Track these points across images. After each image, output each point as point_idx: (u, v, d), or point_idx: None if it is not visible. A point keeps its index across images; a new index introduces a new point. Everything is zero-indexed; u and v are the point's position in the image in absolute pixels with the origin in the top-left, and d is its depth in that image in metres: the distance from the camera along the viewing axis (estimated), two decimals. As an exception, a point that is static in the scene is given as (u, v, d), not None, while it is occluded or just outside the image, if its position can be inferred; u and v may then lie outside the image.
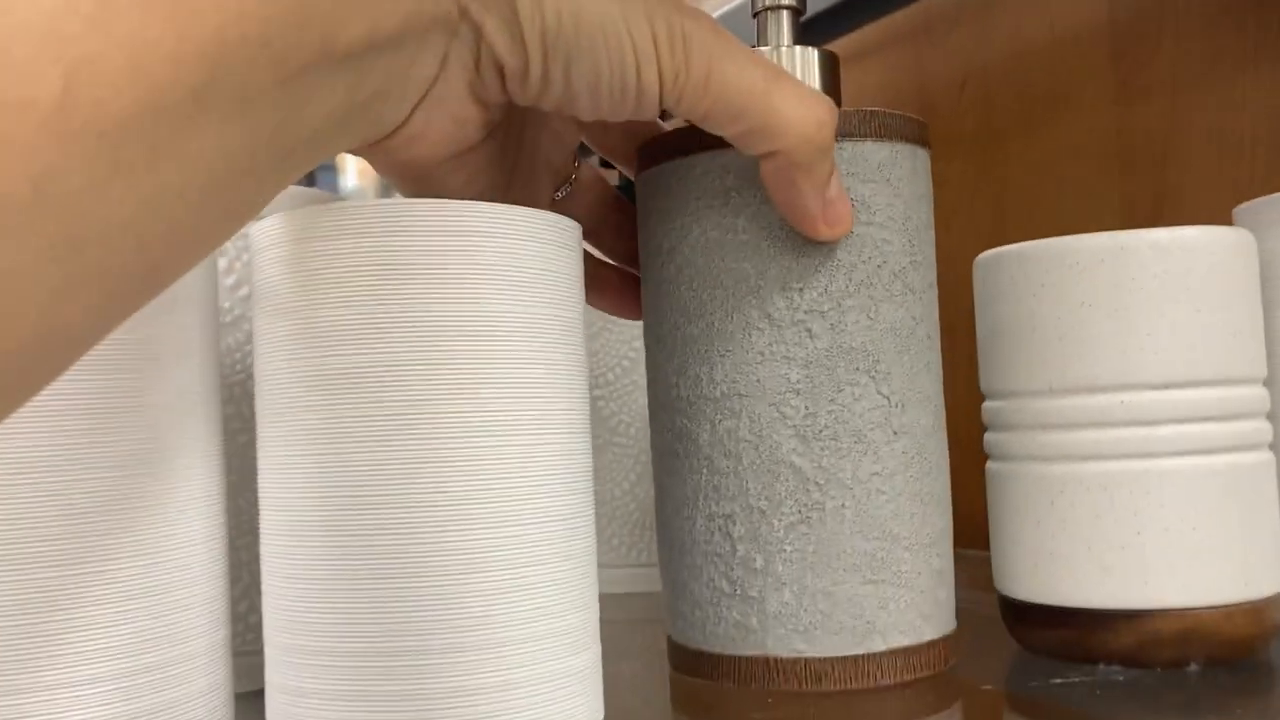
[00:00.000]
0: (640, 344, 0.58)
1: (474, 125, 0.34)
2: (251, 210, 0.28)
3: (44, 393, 0.31)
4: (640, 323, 0.57)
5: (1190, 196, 0.61)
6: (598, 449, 0.58)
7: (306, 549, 0.33)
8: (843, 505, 0.37)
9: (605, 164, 0.65)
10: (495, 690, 0.32)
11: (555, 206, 0.42)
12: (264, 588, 0.35)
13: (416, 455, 0.32)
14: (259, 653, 0.41)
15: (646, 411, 0.58)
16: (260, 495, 0.35)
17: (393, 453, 0.32)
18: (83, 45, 0.22)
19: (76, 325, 0.24)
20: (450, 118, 0.33)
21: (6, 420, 0.31)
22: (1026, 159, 0.70)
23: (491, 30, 0.31)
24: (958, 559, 0.41)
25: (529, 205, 0.38)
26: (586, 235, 0.44)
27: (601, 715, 0.35)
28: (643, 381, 0.58)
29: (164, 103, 0.24)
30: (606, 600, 0.37)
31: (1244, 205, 0.44)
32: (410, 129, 0.32)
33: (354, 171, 1.64)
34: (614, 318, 0.59)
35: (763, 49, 0.41)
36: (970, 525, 0.48)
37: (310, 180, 1.42)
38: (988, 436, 0.42)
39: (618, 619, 0.51)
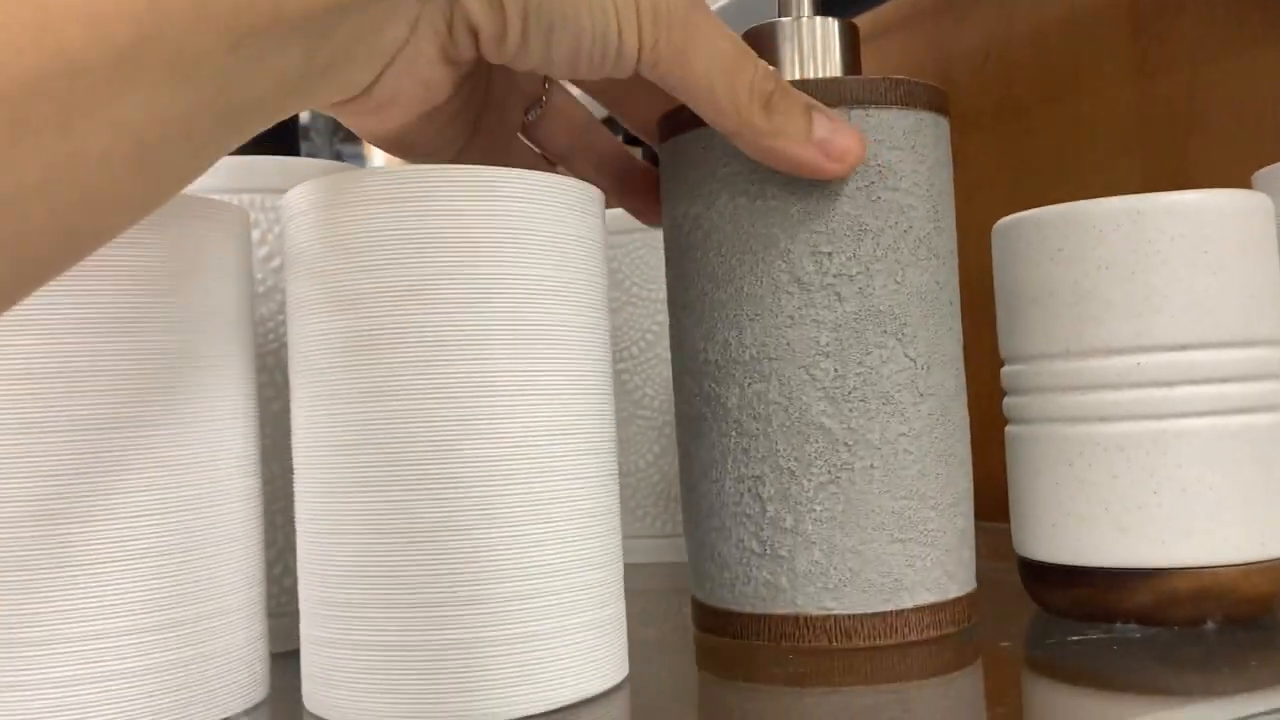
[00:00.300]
0: (663, 318, 0.59)
1: (444, 86, 0.33)
2: (189, 175, 0.27)
3: (90, 357, 0.32)
4: (663, 295, 0.58)
5: (1211, 168, 0.62)
6: (622, 421, 0.59)
7: (339, 506, 0.33)
8: (871, 465, 0.38)
9: (631, 140, 0.66)
10: (523, 641, 0.33)
11: (526, 130, 0.42)
12: (299, 544, 0.35)
13: (443, 415, 0.33)
14: (292, 614, 0.42)
15: (670, 384, 0.59)
16: (294, 455, 0.36)
17: (420, 412, 0.33)
18: None
19: None
20: (420, 81, 0.32)
21: (53, 382, 0.32)
22: (1047, 132, 0.71)
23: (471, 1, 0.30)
24: (979, 531, 0.42)
25: (499, 132, 0.38)
26: (562, 159, 0.44)
27: (626, 669, 0.36)
28: (666, 355, 0.58)
29: (79, 64, 0.23)
30: (630, 569, 0.38)
31: (1263, 170, 0.45)
32: (378, 92, 0.32)
33: (380, 159, 1.65)
34: (637, 294, 0.59)
35: (783, 20, 0.42)
36: (990, 497, 0.49)
37: (337, 155, 1.43)
38: (1007, 400, 0.43)
39: (642, 588, 0.52)
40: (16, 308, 0.31)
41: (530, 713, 0.33)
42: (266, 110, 0.27)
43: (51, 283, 0.32)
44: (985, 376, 0.48)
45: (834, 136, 0.36)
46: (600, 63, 0.33)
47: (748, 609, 0.39)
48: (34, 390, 0.32)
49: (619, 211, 0.59)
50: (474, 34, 0.31)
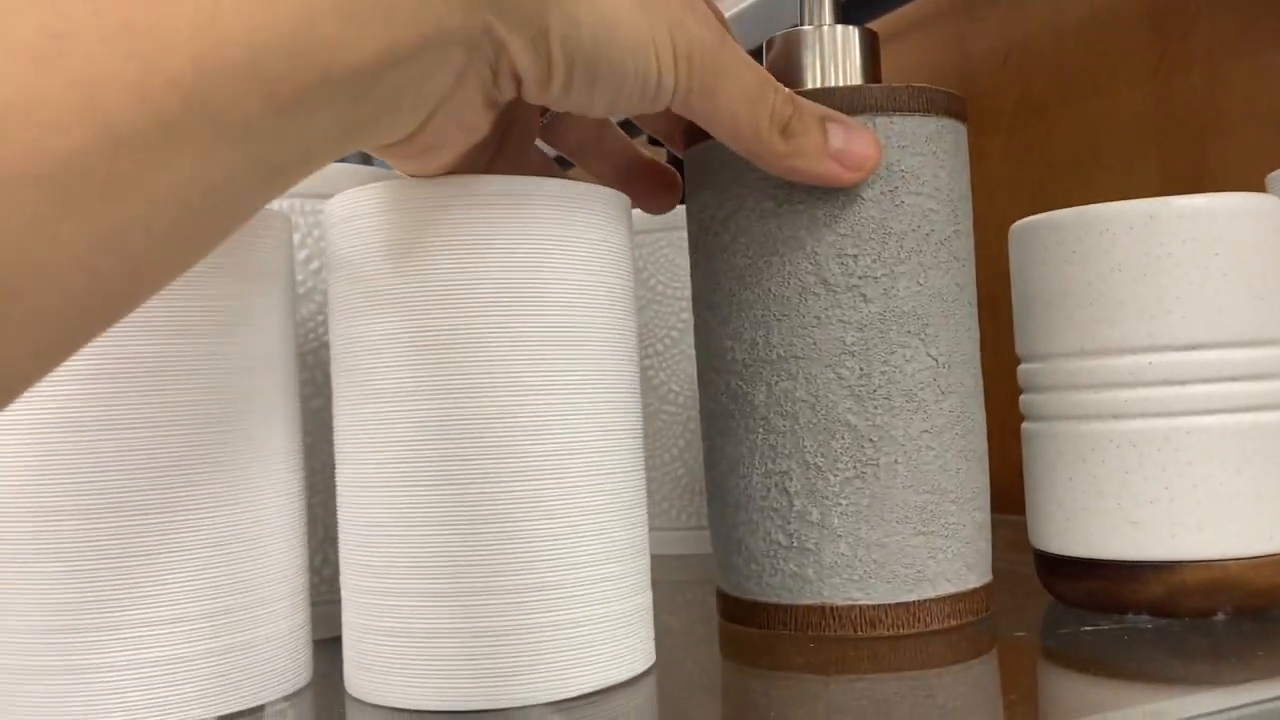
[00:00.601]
0: (688, 315, 0.60)
1: (486, 126, 0.34)
2: (231, 230, 0.27)
3: (140, 359, 0.34)
4: (687, 293, 0.60)
5: (1229, 167, 0.63)
6: (648, 416, 0.60)
7: (379, 499, 0.35)
8: (895, 461, 0.39)
9: (655, 141, 0.67)
10: (553, 629, 0.34)
11: (541, 132, 0.43)
12: (340, 536, 0.37)
13: (477, 412, 0.34)
14: (333, 602, 0.43)
15: (694, 380, 0.60)
16: (336, 450, 0.37)
17: (455, 410, 0.34)
18: (16, 86, 0.22)
19: (18, 361, 0.24)
20: (464, 125, 0.33)
21: (111, 382, 0.33)
22: (1067, 132, 0.72)
23: (516, 49, 0.30)
24: (996, 524, 0.43)
25: (522, 142, 0.39)
26: (573, 155, 0.45)
27: (653, 657, 0.38)
28: (691, 351, 0.60)
29: (126, 137, 0.22)
30: (655, 561, 0.39)
31: (1276, 173, 0.46)
32: (421, 139, 0.32)
33: None
34: (662, 291, 0.61)
35: (804, 28, 0.43)
36: (1007, 492, 0.50)
37: (364, 155, 1.44)
38: (1023, 398, 0.44)
39: (667, 579, 0.54)
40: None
41: (559, 698, 0.34)
42: (311, 162, 0.28)
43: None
44: (1003, 375, 0.50)
45: (849, 145, 0.38)
46: (636, 104, 0.34)
47: (774, 600, 0.41)
48: (91, 390, 0.33)
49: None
50: (517, 80, 0.32)
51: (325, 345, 0.44)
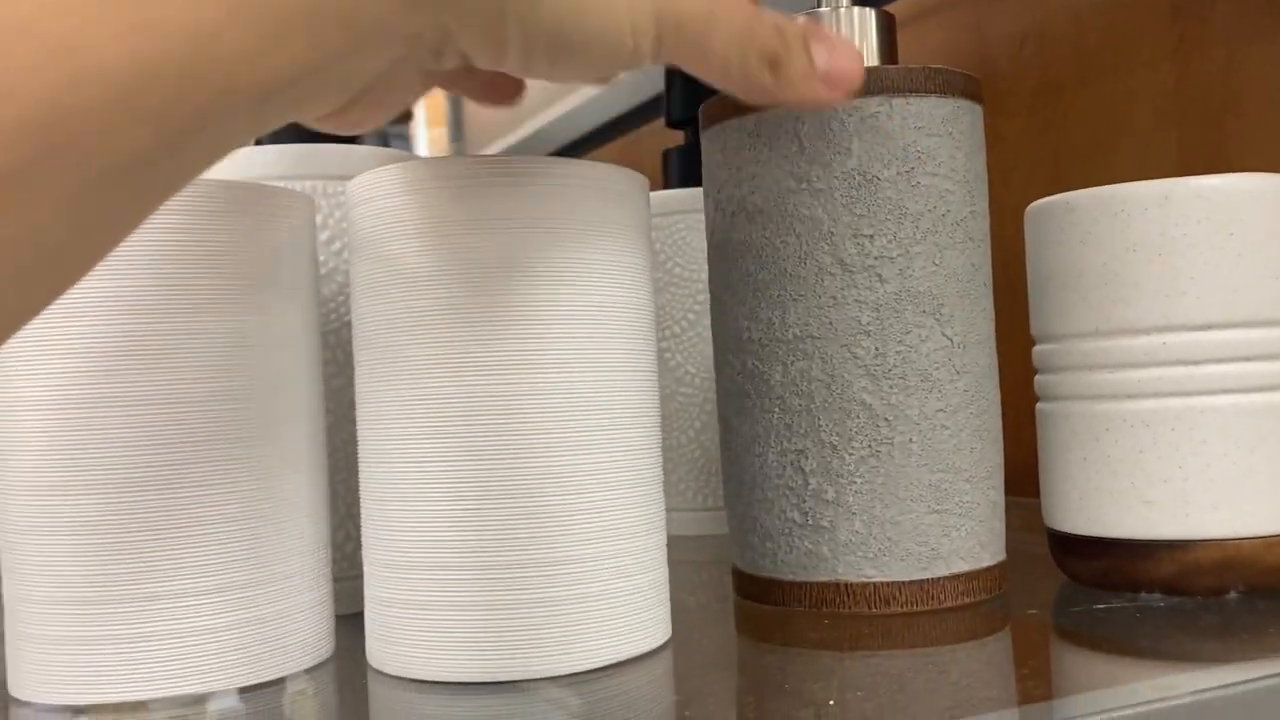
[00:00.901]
0: (705, 298, 0.61)
1: (419, 92, 0.32)
2: (102, 254, 0.25)
3: (170, 335, 0.34)
4: (705, 276, 0.60)
5: (1247, 149, 0.63)
6: (664, 398, 0.61)
7: (402, 475, 0.36)
8: (910, 440, 0.40)
9: (673, 125, 0.67)
10: (572, 602, 0.35)
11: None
12: (363, 511, 0.38)
13: (498, 390, 0.35)
14: (355, 578, 0.44)
15: (711, 362, 0.60)
16: (359, 427, 0.38)
17: (476, 387, 0.35)
18: None
19: None
20: (393, 100, 0.31)
21: (139, 360, 0.34)
22: (1085, 114, 0.72)
23: (466, 36, 0.28)
24: (1012, 505, 0.44)
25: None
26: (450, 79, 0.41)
27: (669, 632, 0.39)
28: (708, 334, 0.60)
29: None
30: (671, 541, 0.40)
31: (1289, 156, 0.46)
32: (345, 115, 0.30)
33: (424, 140, 1.70)
34: (679, 274, 0.61)
35: (823, 9, 0.43)
36: (1022, 473, 0.51)
37: (384, 142, 1.45)
38: (1038, 378, 0.44)
39: (683, 559, 0.54)
40: (110, 292, 0.34)
41: (577, 669, 0.35)
42: (208, 162, 0.26)
43: (141, 266, 0.34)
44: (1022, 358, 0.50)
45: (834, 63, 0.36)
46: (605, 73, 0.32)
47: (789, 577, 0.41)
48: (120, 368, 0.34)
49: (664, 195, 0.61)
50: (464, 58, 0.29)
51: (347, 325, 0.45)
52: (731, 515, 0.44)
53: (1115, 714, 0.29)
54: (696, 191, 0.60)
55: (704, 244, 0.61)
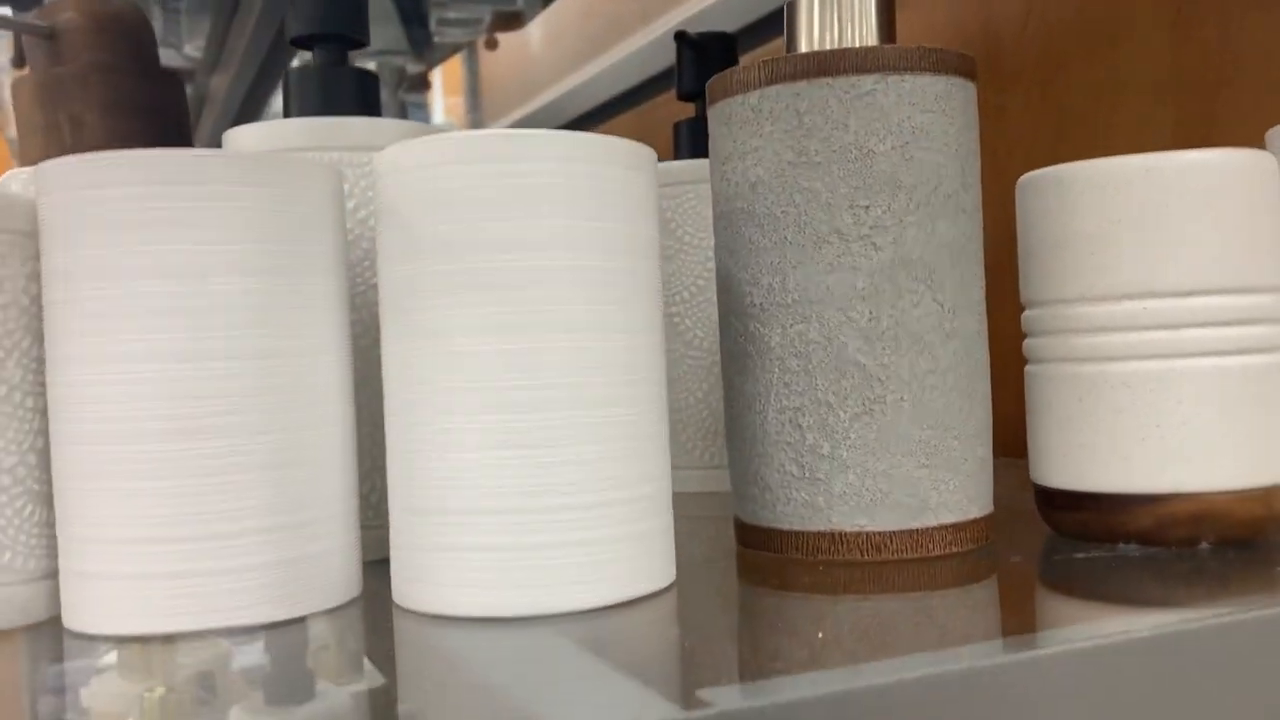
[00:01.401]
0: (713, 265, 0.63)
1: None
2: None
3: (208, 296, 0.37)
4: (713, 244, 0.62)
5: (1238, 122, 0.65)
6: (673, 361, 0.63)
7: (426, 425, 0.38)
8: (901, 399, 0.42)
9: (684, 98, 0.69)
10: (585, 545, 0.38)
11: None
12: (389, 460, 0.40)
13: (517, 349, 0.37)
14: (380, 527, 0.47)
15: (716, 326, 0.63)
16: (384, 382, 0.40)
17: (497, 346, 0.37)
18: None
19: None
20: None
21: (189, 318, 0.37)
22: (1085, 88, 0.74)
23: None
24: (1007, 466, 0.46)
25: None
26: None
27: (674, 575, 0.41)
28: (714, 296, 0.63)
29: None
30: (679, 498, 0.42)
31: (1274, 129, 0.48)
32: None
33: (441, 109, 1.73)
34: (688, 242, 0.63)
35: (824, -10, 0.45)
36: (1012, 434, 0.53)
37: (402, 112, 1.48)
38: (1026, 342, 0.47)
39: (689, 514, 0.57)
40: (157, 258, 0.36)
41: (589, 607, 0.38)
42: None
43: (184, 237, 0.37)
44: (1012, 325, 0.52)
45: None
46: None
47: (786, 526, 0.44)
48: (171, 325, 0.37)
49: (674, 166, 0.64)
50: None
51: (372, 288, 0.47)
52: (733, 469, 0.47)
53: (1082, 645, 0.32)
54: (705, 162, 0.62)
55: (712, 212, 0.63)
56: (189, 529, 0.37)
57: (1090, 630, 0.33)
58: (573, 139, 0.38)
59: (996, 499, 0.46)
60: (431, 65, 1.50)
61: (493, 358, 0.37)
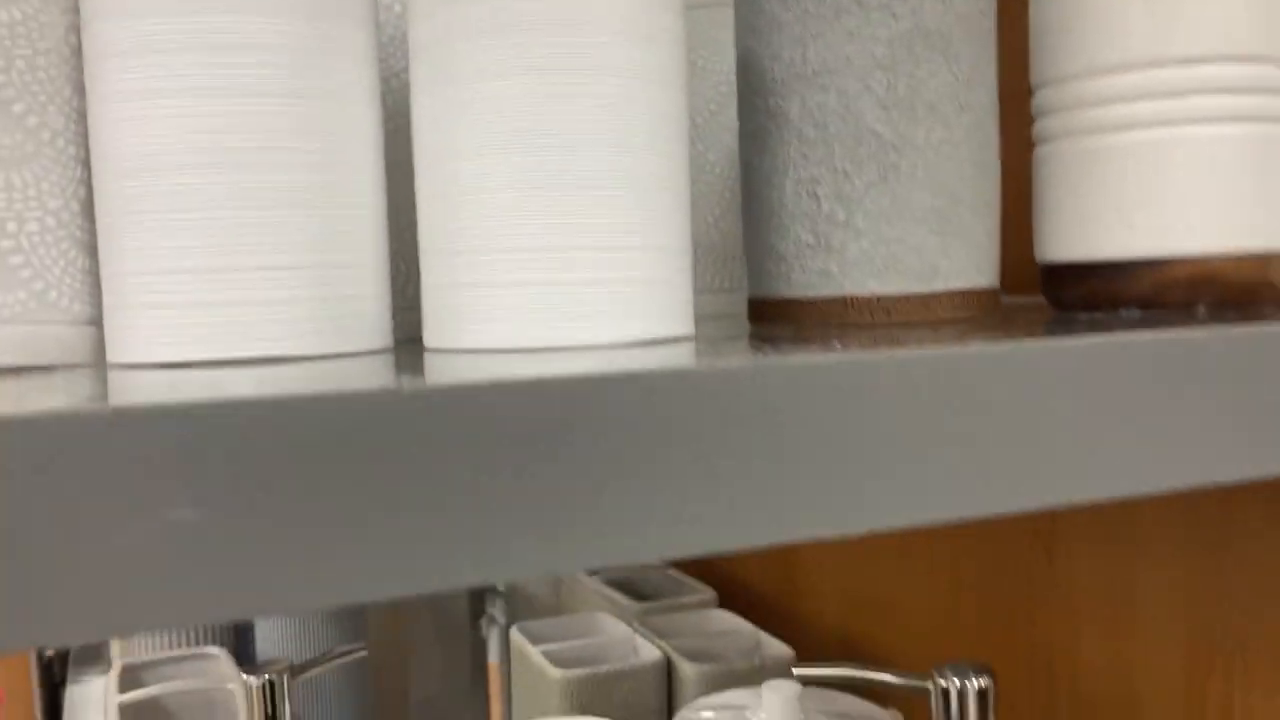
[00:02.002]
0: (726, 89, 0.64)
1: None
2: None
3: (249, 32, 0.38)
4: (726, 67, 0.63)
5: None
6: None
7: (454, 166, 0.40)
8: (915, 166, 0.44)
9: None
10: (609, 284, 0.39)
11: None
12: (420, 208, 0.41)
13: (550, 90, 0.38)
14: (409, 309, 0.48)
15: (732, 152, 0.64)
16: (415, 134, 0.41)
17: (528, 85, 0.38)
18: None
19: None
20: None
21: (219, 52, 0.38)
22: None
23: None
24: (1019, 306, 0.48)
25: None
26: None
27: (693, 327, 0.43)
28: (729, 123, 0.64)
29: None
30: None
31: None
32: None
33: None
34: (702, 66, 0.64)
35: None
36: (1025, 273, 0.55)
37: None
38: (1035, 126, 0.48)
39: (702, 334, 0.58)
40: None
41: (615, 341, 0.39)
42: None
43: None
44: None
45: None
46: None
47: (800, 295, 0.45)
48: (205, 60, 0.38)
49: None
50: None
51: (396, 75, 0.49)
52: (749, 248, 0.48)
53: (1059, 346, 0.33)
54: (720, -15, 0.63)
55: (729, 38, 0.64)
56: (227, 260, 0.39)
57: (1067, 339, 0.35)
58: None
59: (999, 273, 0.47)
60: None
61: (525, 99, 0.39)
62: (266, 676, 0.55)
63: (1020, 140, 0.53)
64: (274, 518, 0.25)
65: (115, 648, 1.04)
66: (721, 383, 0.30)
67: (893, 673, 0.49)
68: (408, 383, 0.27)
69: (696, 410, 0.30)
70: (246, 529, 0.25)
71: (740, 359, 0.31)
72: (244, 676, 0.55)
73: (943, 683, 0.46)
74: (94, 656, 1.49)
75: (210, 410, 0.25)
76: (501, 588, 1.35)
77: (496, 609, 1.42)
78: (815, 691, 0.72)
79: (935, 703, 0.47)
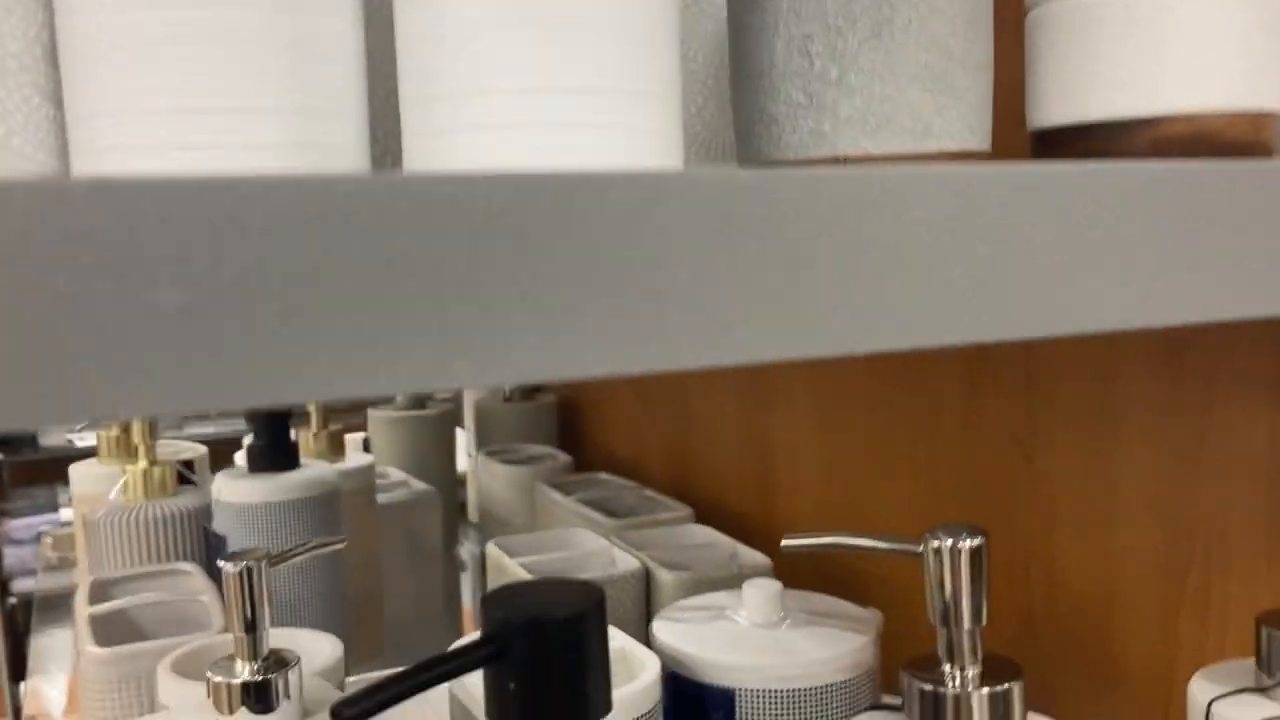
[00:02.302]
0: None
1: None
2: None
3: None
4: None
5: None
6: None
7: (438, 7, 0.38)
8: (909, 21, 0.43)
9: None
10: (604, 129, 0.38)
11: None
12: (399, 61, 0.40)
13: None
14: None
15: (714, 39, 0.63)
16: None
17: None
18: None
19: None
20: None
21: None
22: None
23: None
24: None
25: None
26: None
27: (682, 161, 0.42)
28: (713, 10, 0.63)
29: None
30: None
31: None
32: None
33: None
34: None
35: None
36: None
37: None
38: (1029, -7, 0.47)
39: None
40: None
41: (615, 167, 0.38)
42: None
43: None
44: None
45: None
46: None
47: (792, 155, 0.45)
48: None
49: None
50: None
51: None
52: (737, 114, 0.47)
53: (1049, 171, 0.33)
54: None
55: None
56: (201, 101, 0.37)
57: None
58: None
59: (991, 138, 0.47)
60: None
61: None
62: (245, 563, 0.54)
63: (1015, 22, 0.53)
64: (260, 303, 0.24)
65: (81, 581, 1.03)
66: (726, 187, 0.29)
67: (884, 538, 0.49)
68: (401, 173, 0.26)
69: (697, 216, 0.29)
70: (231, 313, 0.24)
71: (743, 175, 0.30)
72: (221, 563, 0.55)
73: (935, 543, 0.46)
74: (58, 605, 1.48)
75: (196, 186, 0.24)
76: (474, 498, 1.34)
77: (470, 539, 1.41)
78: (795, 592, 0.72)
79: (928, 564, 0.47)
